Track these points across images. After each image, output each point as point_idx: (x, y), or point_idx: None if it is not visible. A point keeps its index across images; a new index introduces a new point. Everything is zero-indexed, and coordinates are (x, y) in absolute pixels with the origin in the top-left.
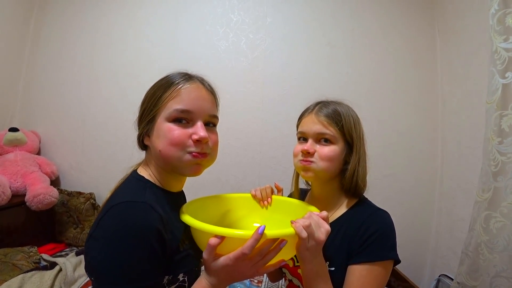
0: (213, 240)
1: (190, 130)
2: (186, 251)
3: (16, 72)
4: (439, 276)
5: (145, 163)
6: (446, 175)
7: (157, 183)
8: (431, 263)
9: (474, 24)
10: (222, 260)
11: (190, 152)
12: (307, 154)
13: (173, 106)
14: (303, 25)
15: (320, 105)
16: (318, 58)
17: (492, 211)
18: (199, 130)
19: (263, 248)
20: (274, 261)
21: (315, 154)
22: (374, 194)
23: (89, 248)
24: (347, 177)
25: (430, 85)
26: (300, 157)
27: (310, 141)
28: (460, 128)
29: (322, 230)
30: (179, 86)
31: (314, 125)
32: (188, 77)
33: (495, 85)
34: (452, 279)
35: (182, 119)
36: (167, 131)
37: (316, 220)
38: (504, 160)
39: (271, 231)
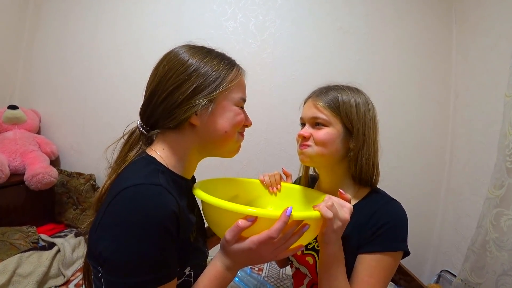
0: (242, 222)
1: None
2: (195, 244)
3: (16, 48)
4: (441, 272)
5: (159, 145)
6: (454, 170)
7: (171, 168)
8: (433, 258)
9: (494, 14)
10: (246, 243)
11: (240, 132)
12: (303, 138)
13: (239, 95)
14: (314, 8)
15: (319, 90)
16: (329, 43)
17: (504, 208)
18: (249, 118)
19: (287, 231)
20: (294, 245)
21: (311, 138)
22: (380, 185)
23: (97, 238)
24: (350, 162)
25: (443, 76)
26: (299, 143)
27: (306, 125)
28: (472, 122)
29: (345, 209)
30: (240, 72)
31: (309, 109)
32: (234, 61)
33: None
34: (454, 275)
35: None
36: (236, 114)
37: (337, 201)
38: None
39: (298, 213)
